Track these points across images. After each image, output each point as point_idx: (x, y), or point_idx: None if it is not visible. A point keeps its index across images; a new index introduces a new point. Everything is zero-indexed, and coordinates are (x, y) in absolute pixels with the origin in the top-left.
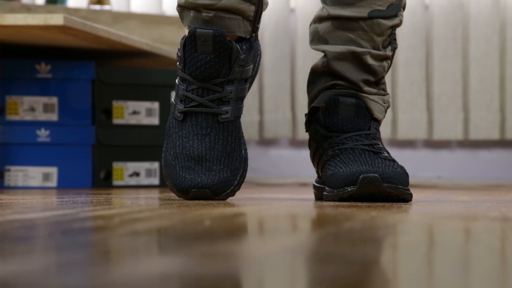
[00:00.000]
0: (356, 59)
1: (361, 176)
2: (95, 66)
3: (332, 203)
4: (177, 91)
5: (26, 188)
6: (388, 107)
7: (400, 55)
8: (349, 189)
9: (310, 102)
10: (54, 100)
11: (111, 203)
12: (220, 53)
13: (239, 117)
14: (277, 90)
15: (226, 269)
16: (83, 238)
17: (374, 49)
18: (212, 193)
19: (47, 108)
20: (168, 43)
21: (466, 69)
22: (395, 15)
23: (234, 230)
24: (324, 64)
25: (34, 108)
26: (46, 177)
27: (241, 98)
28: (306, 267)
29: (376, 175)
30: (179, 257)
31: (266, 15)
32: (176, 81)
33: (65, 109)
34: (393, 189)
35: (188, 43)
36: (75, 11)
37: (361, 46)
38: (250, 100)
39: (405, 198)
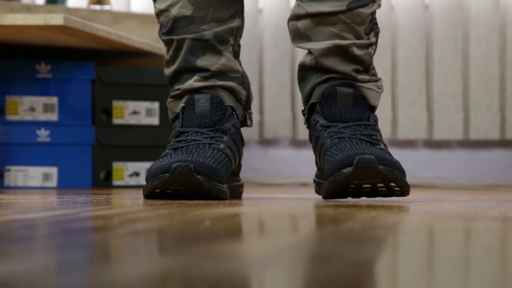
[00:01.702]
0: (343, 52)
1: (356, 157)
2: (95, 66)
3: (332, 202)
4: (168, 145)
5: (26, 188)
6: (382, 92)
7: (400, 55)
8: (345, 171)
9: (305, 98)
10: (54, 100)
11: (111, 203)
12: (217, 110)
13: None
14: (277, 90)
15: (226, 269)
16: (83, 238)
17: (358, 39)
18: (196, 169)
19: (47, 108)
20: None
21: (466, 69)
22: (373, 1)
23: (234, 230)
24: (312, 62)
25: (34, 108)
26: (46, 177)
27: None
28: (306, 267)
29: (372, 156)
30: (179, 257)
31: (266, 15)
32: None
33: (65, 109)
34: (389, 172)
35: (187, 108)
36: (75, 11)
37: (345, 39)
38: None
39: (403, 186)
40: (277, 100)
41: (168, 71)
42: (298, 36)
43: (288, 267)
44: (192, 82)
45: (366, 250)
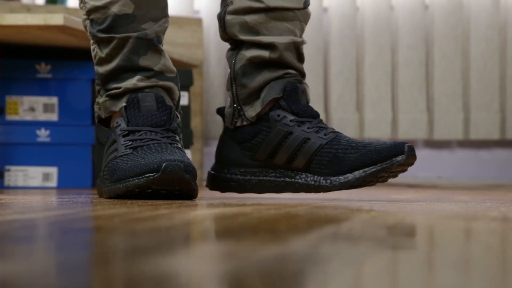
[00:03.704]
0: (296, 49)
1: (404, 146)
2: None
3: (332, 202)
4: (118, 144)
5: (26, 188)
6: None
7: (400, 55)
8: (399, 159)
9: (250, 93)
10: (54, 100)
11: (111, 203)
12: (163, 110)
13: None
14: None
15: (226, 269)
16: (83, 238)
17: (301, 37)
18: (185, 168)
19: (47, 108)
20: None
21: (466, 69)
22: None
23: (234, 230)
24: (275, 56)
25: (34, 108)
26: (46, 177)
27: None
28: (306, 267)
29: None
30: (179, 257)
31: None
32: (109, 142)
33: (65, 109)
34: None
35: (131, 107)
36: (75, 11)
37: (297, 36)
38: None
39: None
40: None
41: (102, 69)
42: (245, 29)
43: (288, 267)
44: (135, 81)
45: (366, 250)
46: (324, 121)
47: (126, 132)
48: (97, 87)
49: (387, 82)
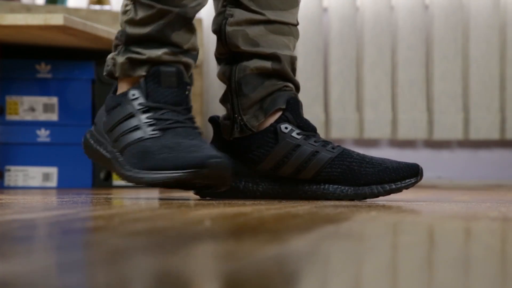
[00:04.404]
0: (291, 64)
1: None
2: (95, 66)
3: (332, 203)
4: (139, 122)
5: (26, 188)
6: None
7: (400, 55)
8: (414, 180)
9: (252, 103)
10: (54, 100)
11: (111, 203)
12: (182, 87)
13: None
14: None
15: (226, 269)
16: (83, 238)
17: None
18: (228, 166)
19: (47, 108)
20: None
21: (466, 69)
22: None
23: (234, 230)
24: (278, 67)
25: (34, 108)
26: (46, 177)
27: None
28: (306, 267)
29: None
30: (179, 257)
31: None
32: (127, 115)
33: (65, 109)
34: None
35: (150, 79)
36: (75, 11)
37: (292, 51)
38: None
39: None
40: None
41: (131, 30)
42: (246, 41)
43: (288, 267)
44: (161, 54)
45: (366, 250)
46: (324, 121)
47: (147, 108)
48: (115, 41)
49: (387, 82)
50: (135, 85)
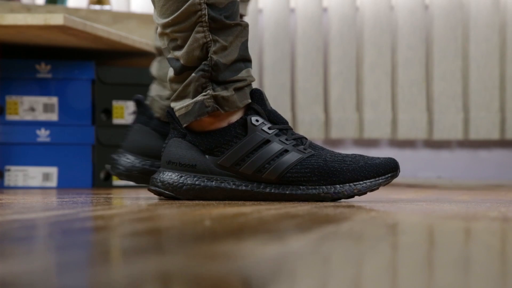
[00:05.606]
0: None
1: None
2: (95, 66)
3: (332, 203)
4: (283, 145)
5: (26, 188)
6: None
7: (400, 55)
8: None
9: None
10: (54, 100)
11: (111, 203)
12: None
13: None
14: (277, 90)
15: (226, 269)
16: (83, 238)
17: None
18: None
19: (47, 108)
20: None
21: (466, 69)
22: None
23: (234, 230)
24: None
25: (34, 108)
26: (46, 177)
27: None
28: (306, 267)
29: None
30: (179, 257)
31: (266, 15)
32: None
33: (65, 109)
34: None
35: (259, 102)
36: (75, 11)
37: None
38: None
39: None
40: (276, 100)
41: (224, 59)
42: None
43: (288, 267)
44: (250, 73)
45: (366, 250)
46: (324, 121)
47: (277, 131)
48: (202, 80)
49: (387, 82)
50: (247, 112)
